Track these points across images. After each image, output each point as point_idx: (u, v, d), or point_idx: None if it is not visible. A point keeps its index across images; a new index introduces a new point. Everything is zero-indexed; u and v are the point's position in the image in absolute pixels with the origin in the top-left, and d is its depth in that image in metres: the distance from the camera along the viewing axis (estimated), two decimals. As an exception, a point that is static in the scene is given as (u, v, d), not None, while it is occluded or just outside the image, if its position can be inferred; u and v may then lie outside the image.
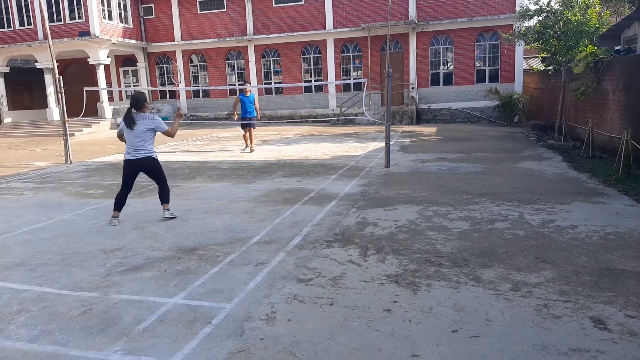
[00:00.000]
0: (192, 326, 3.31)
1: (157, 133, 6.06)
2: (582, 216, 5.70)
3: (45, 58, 21.65)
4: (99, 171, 10.53)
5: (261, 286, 3.95)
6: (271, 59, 23.44)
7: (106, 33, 21.74)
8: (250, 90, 12.75)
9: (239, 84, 13.96)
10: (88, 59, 22.05)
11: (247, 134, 12.82)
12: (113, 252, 4.97)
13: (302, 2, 22.18)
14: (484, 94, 19.64)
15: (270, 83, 23.33)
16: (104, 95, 22.53)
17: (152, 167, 6.03)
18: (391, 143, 9.95)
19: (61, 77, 12.07)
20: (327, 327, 3.25)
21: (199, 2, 23.60)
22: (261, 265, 4.43)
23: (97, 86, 21.21)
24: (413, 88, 21.17)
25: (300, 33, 22.20)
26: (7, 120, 23.44)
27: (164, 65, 25.07)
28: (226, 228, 5.70)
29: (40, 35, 22.00)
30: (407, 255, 4.56)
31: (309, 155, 11.83)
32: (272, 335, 3.15)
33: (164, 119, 13.06)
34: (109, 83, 24.35)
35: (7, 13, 22.56)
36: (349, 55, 22.43)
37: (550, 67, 14.61)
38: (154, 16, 24.40)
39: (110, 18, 22.33)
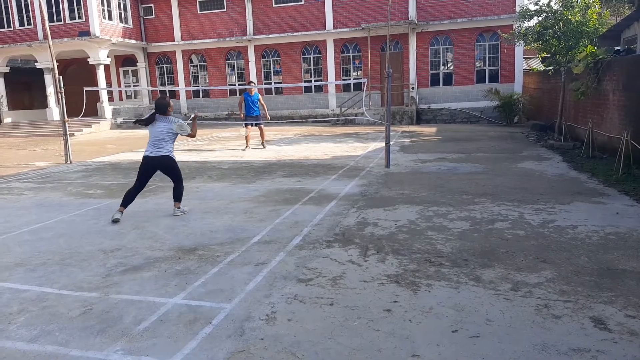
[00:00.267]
0: (192, 326, 3.31)
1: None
2: (582, 216, 5.70)
3: (45, 58, 21.65)
4: (99, 171, 10.53)
5: (261, 286, 3.94)
6: (271, 59, 23.44)
7: (106, 33, 21.74)
8: (255, 90, 12.95)
9: (250, 83, 14.20)
10: (88, 59, 22.05)
11: (249, 133, 13.07)
12: (113, 252, 4.97)
13: (302, 2, 22.18)
14: (484, 94, 19.63)
15: (270, 83, 23.33)
16: (104, 96, 22.53)
17: (169, 166, 6.43)
18: (391, 143, 9.94)
19: (61, 77, 12.06)
20: (327, 327, 3.24)
21: (199, 2, 23.60)
22: (261, 265, 4.43)
23: (97, 86, 21.21)
24: (413, 88, 21.17)
25: (300, 33, 22.20)
26: (7, 120, 23.43)
27: (164, 65, 25.08)
28: (226, 228, 5.70)
29: (40, 35, 21.99)
30: (407, 255, 4.56)
31: (309, 155, 11.83)
32: (272, 335, 3.15)
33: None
34: (109, 83, 24.35)
35: (7, 13, 22.56)
36: (349, 56, 22.43)
37: (550, 68, 14.59)
38: (154, 16, 24.41)
39: (110, 18, 22.32)
